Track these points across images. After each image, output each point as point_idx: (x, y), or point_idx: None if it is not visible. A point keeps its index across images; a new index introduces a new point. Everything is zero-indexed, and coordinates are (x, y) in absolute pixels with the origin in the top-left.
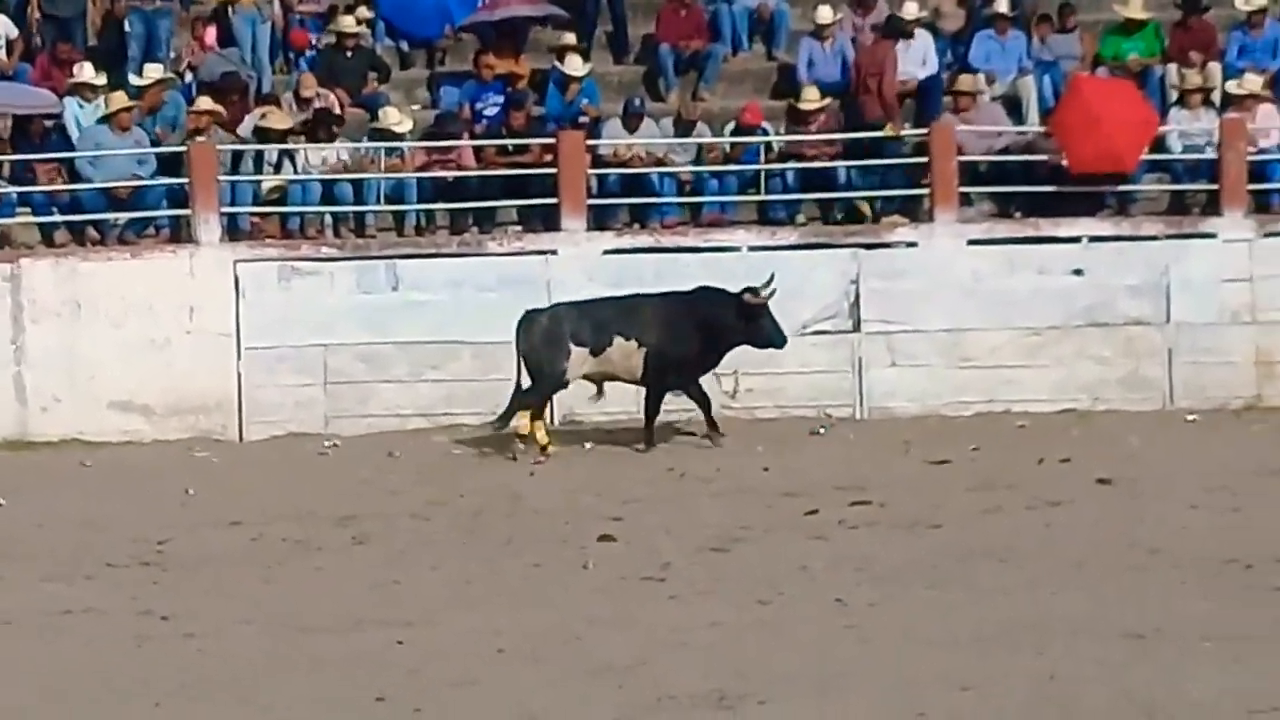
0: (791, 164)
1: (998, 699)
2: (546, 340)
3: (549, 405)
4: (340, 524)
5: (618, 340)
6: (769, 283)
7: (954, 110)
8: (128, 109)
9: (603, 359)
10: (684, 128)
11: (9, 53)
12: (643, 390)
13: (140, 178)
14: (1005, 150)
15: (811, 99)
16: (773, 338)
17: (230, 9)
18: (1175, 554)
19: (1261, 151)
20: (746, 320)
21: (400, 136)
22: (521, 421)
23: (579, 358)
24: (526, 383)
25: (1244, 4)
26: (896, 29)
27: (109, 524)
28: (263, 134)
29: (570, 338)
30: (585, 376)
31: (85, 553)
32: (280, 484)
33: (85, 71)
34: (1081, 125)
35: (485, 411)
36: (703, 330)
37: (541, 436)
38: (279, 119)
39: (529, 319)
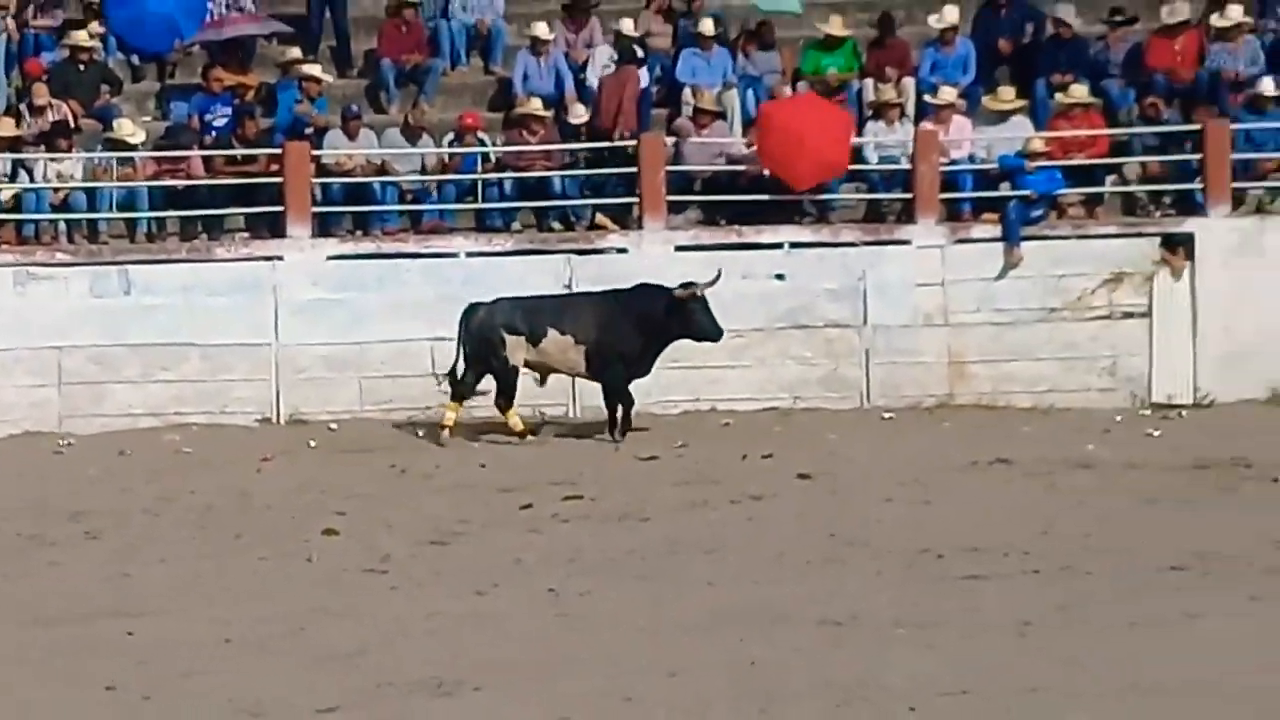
0: (509, 173)
1: (702, 684)
2: (481, 329)
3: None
4: (74, 519)
5: (552, 333)
6: (715, 279)
7: (696, 126)
8: None
9: (540, 350)
10: (411, 137)
11: None
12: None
13: None
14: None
15: (534, 106)
16: (707, 330)
17: None
18: (871, 545)
19: (953, 162)
20: (681, 314)
21: (133, 147)
22: (449, 414)
23: (515, 344)
24: (462, 369)
25: (936, 22)
26: (629, 51)
27: None
28: None
29: (503, 327)
30: (527, 364)
31: None
32: (16, 481)
33: None
34: (789, 148)
35: (214, 411)
36: (639, 325)
37: (516, 423)
38: (7, 129)
39: (468, 311)
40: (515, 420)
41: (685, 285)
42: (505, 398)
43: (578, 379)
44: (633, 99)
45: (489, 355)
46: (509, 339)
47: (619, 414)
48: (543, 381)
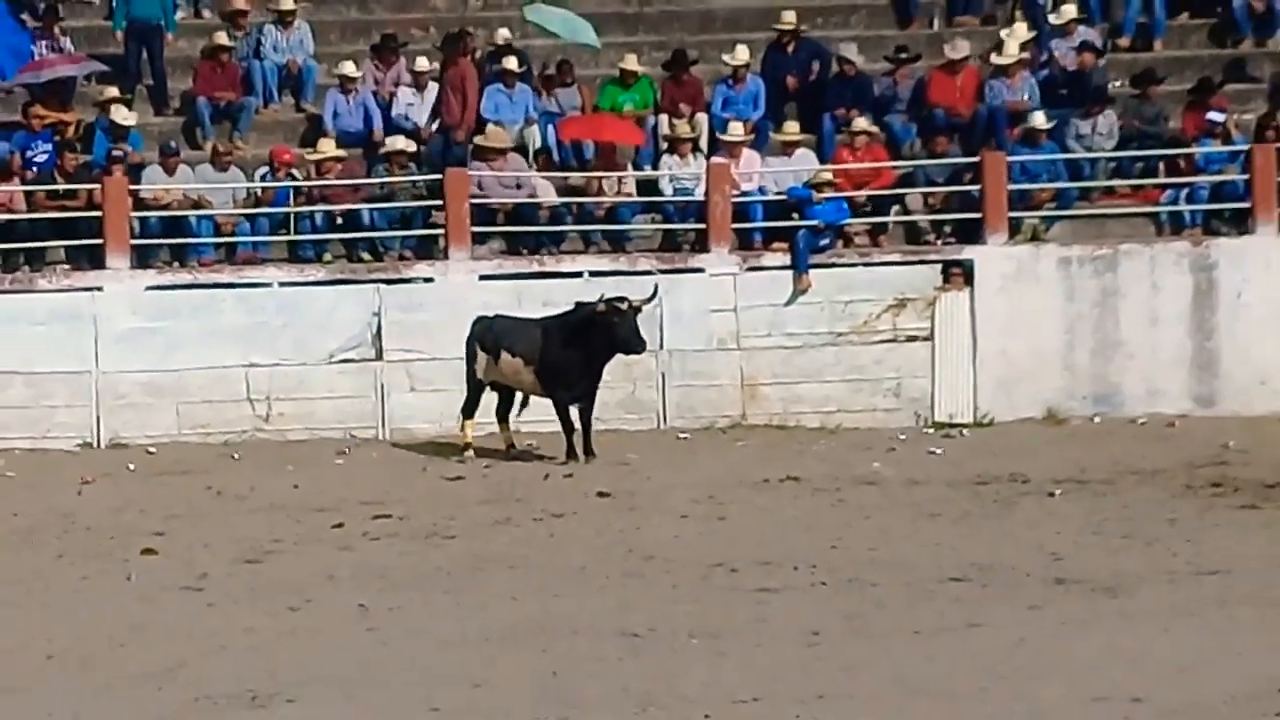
0: (320, 206)
1: (505, 694)
2: (468, 344)
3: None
4: None
5: (504, 354)
6: (652, 297)
7: (483, 160)
8: None
9: (498, 368)
10: (220, 167)
11: None
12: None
13: None
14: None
15: (326, 149)
16: (629, 343)
17: None
18: (668, 559)
19: (744, 194)
20: (604, 329)
21: None
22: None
23: (483, 361)
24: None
25: (729, 59)
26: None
27: None
28: None
29: (477, 341)
30: (492, 383)
31: None
32: None
33: None
34: (588, 124)
35: (36, 436)
36: (572, 344)
37: (465, 436)
38: None
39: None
40: (466, 433)
41: (609, 300)
42: (466, 410)
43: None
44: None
45: (469, 366)
46: (480, 355)
47: (572, 435)
48: (524, 402)
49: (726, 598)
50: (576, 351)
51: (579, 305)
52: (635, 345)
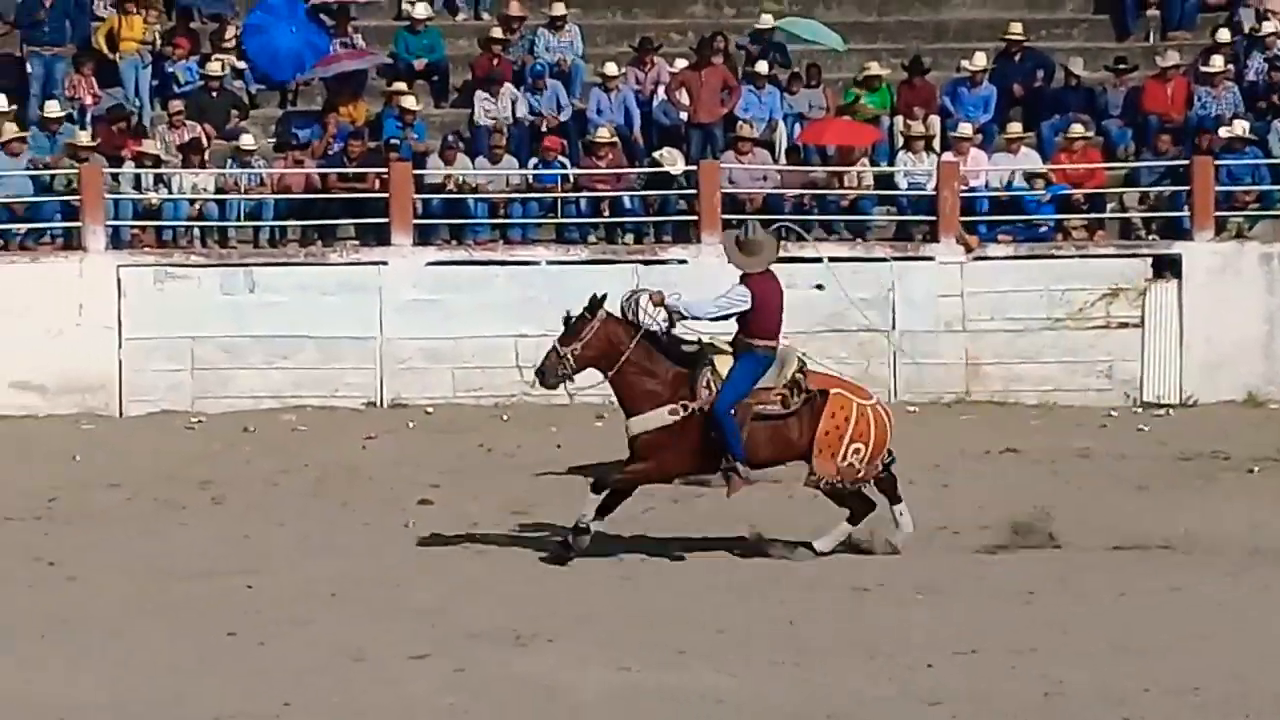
0: (584, 193)
1: (745, 640)
2: None
3: None
4: (202, 487)
5: None
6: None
7: (736, 152)
8: (20, 139)
9: None
10: (494, 159)
11: None
12: None
13: (36, 195)
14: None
15: (603, 136)
16: None
17: (117, 55)
18: None
19: (971, 189)
20: None
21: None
22: None
23: None
24: None
25: (969, 65)
26: None
27: (5, 484)
28: (139, 159)
29: None
30: None
31: None
32: (152, 454)
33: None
34: (820, 129)
35: (326, 395)
36: None
37: None
38: (150, 147)
39: None
40: None
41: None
42: None
43: None
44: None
45: None
46: None
47: None
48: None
49: (949, 558)
50: None
51: None
52: None
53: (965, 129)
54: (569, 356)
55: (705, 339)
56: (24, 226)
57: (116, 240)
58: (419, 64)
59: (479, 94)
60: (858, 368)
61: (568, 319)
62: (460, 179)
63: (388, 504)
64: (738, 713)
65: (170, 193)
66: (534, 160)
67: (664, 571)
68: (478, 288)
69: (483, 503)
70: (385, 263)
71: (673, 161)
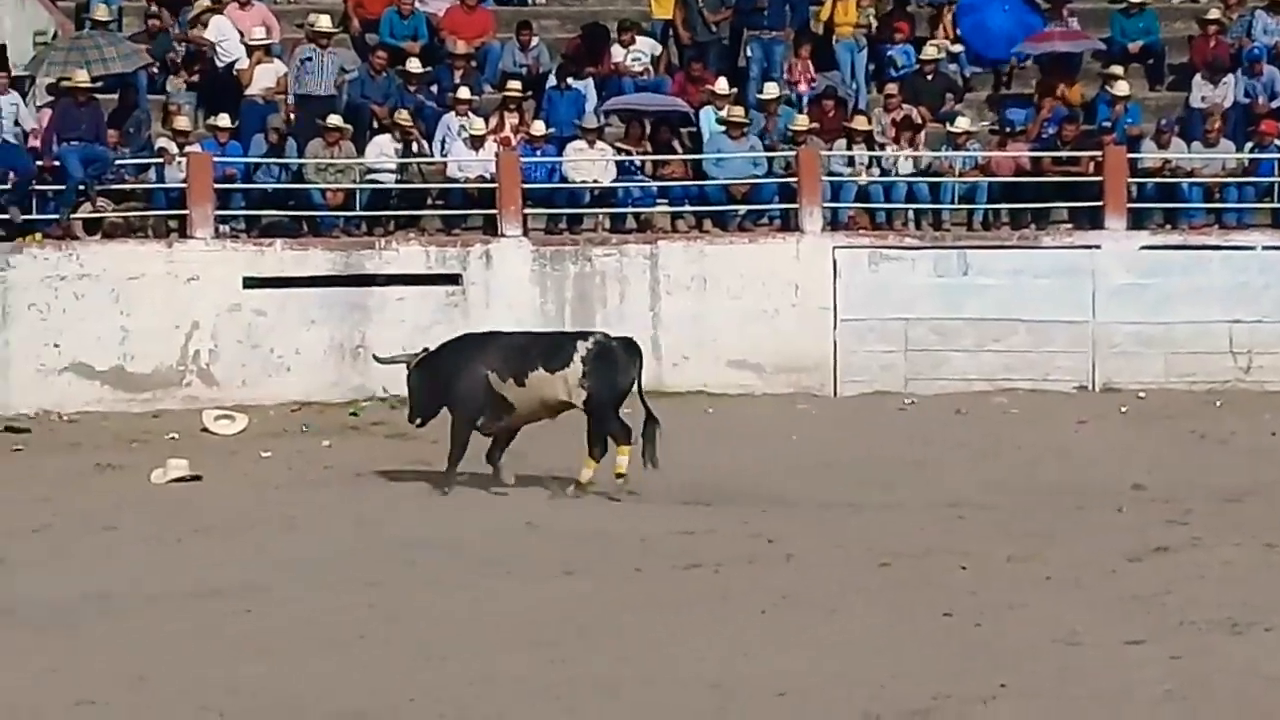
0: None
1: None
2: None
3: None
4: (916, 467)
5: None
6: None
7: None
8: (743, 122)
9: None
10: (1209, 143)
11: (655, 66)
12: None
13: (756, 177)
14: None
15: None
16: None
17: (833, 38)
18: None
19: None
20: None
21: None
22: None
23: None
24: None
25: None
26: None
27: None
28: (850, 137)
29: None
30: None
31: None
32: (865, 433)
33: (721, 84)
34: None
35: (1037, 378)
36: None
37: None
38: (861, 125)
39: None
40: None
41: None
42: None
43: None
44: None
45: None
46: None
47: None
48: None
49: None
50: None
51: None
52: None
53: None
54: None
55: None
56: (743, 209)
57: (833, 222)
58: (1134, 47)
59: (1196, 79)
60: None
61: None
62: (1175, 163)
63: (1101, 489)
64: None
65: (883, 175)
66: (1249, 144)
67: None
68: (1191, 272)
69: (1196, 489)
70: (1098, 246)
71: None
